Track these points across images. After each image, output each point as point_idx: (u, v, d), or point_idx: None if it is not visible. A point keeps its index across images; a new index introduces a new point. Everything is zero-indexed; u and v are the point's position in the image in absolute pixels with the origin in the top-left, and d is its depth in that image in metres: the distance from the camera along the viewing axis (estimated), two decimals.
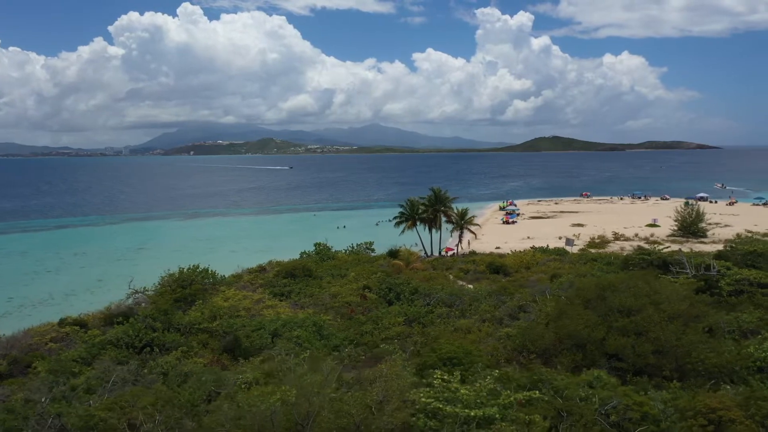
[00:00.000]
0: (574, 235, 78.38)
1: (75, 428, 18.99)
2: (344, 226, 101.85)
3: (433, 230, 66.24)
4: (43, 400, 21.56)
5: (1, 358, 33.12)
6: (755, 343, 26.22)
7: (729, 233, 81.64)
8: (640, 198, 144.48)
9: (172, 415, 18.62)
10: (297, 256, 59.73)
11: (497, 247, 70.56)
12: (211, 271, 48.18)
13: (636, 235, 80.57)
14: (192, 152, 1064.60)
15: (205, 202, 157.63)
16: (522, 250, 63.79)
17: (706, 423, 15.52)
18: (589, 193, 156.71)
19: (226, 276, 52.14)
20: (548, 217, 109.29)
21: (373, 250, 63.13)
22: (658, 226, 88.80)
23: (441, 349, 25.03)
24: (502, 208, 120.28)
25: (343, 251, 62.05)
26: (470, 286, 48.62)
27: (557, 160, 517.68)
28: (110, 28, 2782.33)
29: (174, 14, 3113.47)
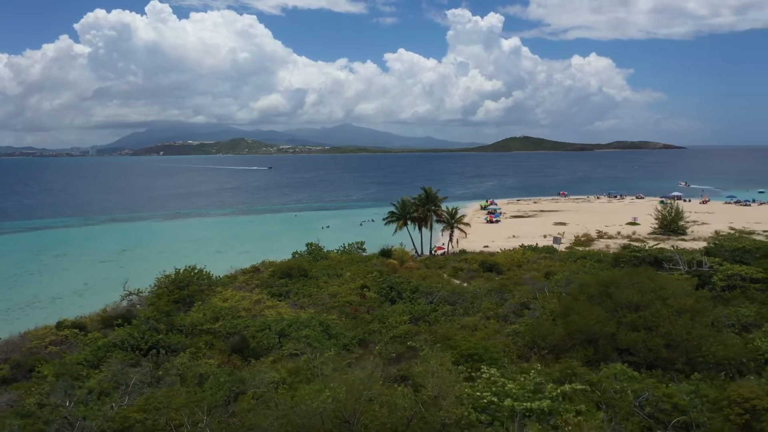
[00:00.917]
0: (558, 233, 79.66)
1: (110, 431, 18.82)
2: (328, 226, 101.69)
3: (423, 229, 66.62)
4: (67, 403, 21.22)
5: (2, 362, 32.39)
6: (760, 336, 27.15)
7: (707, 231, 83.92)
8: (616, 197, 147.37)
9: (212, 416, 18.60)
10: (284, 257, 59.40)
11: (485, 246, 71.32)
12: (206, 272, 47.74)
13: (618, 233, 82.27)
14: (162, 152, 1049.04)
15: (185, 203, 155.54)
16: (512, 249, 64.64)
17: (742, 412, 16.09)
18: (566, 193, 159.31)
19: (220, 277, 51.74)
20: (529, 216, 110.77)
21: (364, 250, 63.23)
22: (638, 224, 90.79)
23: (461, 345, 25.38)
24: (483, 208, 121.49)
25: (335, 251, 62.02)
26: (465, 284, 49.14)
27: (529, 160, 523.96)
28: (76, 26, 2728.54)
29: (142, 12, 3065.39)
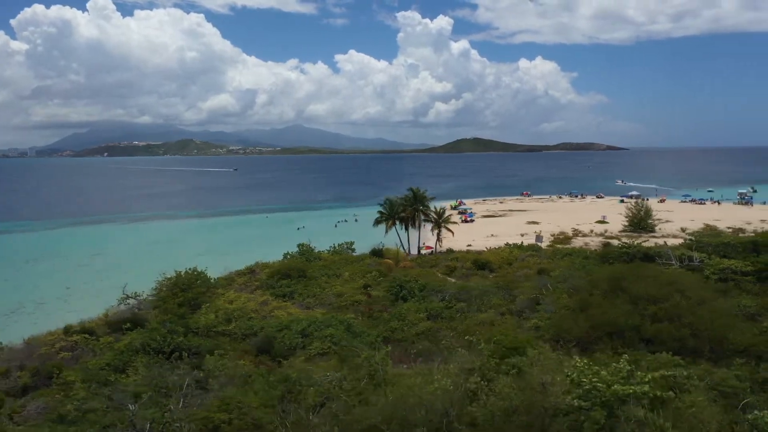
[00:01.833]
0: (536, 231, 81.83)
1: None
2: (303, 227, 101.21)
3: (410, 229, 67.32)
4: (130, 407, 20.86)
5: (17, 369, 31.24)
6: None
7: (673, 228, 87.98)
8: (577, 196, 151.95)
9: (286, 414, 18.72)
10: (269, 258, 58.78)
11: (468, 245, 72.57)
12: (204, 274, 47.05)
13: (592, 231, 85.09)
14: (106, 153, 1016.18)
15: (149, 205, 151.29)
16: (498, 247, 66.05)
17: None
18: (529, 192, 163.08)
19: (216, 279, 51.01)
20: (500, 216, 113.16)
21: (353, 250, 63.46)
22: (608, 222, 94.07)
23: (503, 340, 26.12)
24: (453, 208, 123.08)
25: (326, 251, 62.01)
26: (459, 283, 49.99)
27: (482, 161, 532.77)
28: (12, 22, 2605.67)
29: (83, 9, 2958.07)
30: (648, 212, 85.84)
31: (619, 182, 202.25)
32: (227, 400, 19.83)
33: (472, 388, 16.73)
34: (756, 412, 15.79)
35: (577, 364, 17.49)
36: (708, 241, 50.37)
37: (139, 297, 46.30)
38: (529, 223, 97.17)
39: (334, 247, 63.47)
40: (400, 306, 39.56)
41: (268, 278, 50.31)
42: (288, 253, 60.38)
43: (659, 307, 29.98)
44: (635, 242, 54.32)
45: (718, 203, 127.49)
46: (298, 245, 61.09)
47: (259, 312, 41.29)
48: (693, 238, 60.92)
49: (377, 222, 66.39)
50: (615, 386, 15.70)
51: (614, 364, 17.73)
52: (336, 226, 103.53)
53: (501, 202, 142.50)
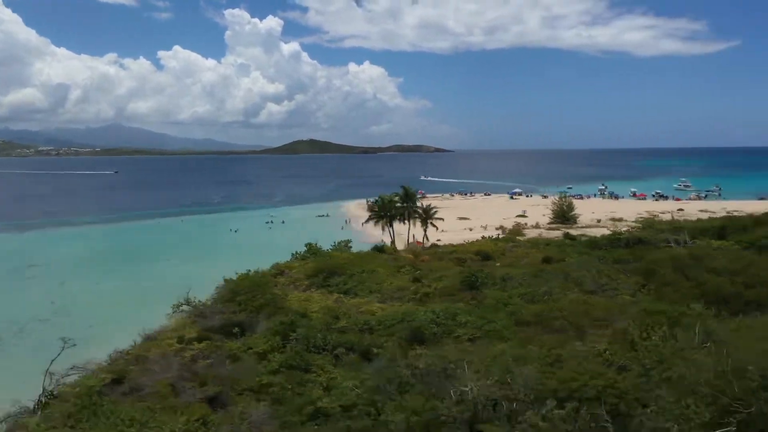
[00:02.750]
0: (482, 226, 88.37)
1: None
2: (237, 230, 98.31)
3: (393, 226, 69.63)
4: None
5: (177, 380, 28.72)
6: None
7: (585, 220, 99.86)
8: (466, 195, 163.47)
9: None
10: (231, 263, 56.69)
11: (438, 240, 76.54)
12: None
13: (526, 224, 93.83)
14: None
15: (27, 211, 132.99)
16: (477, 240, 70.77)
17: None
18: (423, 192, 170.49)
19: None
20: None
21: (350, 248, 64.24)
22: (527, 216, 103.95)
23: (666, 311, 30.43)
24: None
25: (328, 250, 62.07)
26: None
27: (328, 162, 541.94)
28: None
29: None
30: (570, 206, 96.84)
31: (423, 177, 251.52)
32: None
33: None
34: None
35: None
36: (686, 226, 59.36)
37: (194, 303, 43.63)
38: (461, 219, 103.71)
39: (335, 245, 63.83)
40: (488, 293, 41.86)
41: (311, 276, 49.83)
42: (296, 253, 59.69)
43: (748, 275, 36.48)
44: (622, 230, 62.14)
45: (617, 198, 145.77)
46: (306, 245, 60.61)
47: (339, 309, 41.34)
48: (640, 225, 71.21)
49: (375, 221, 67.95)
50: None
51: None
52: (270, 228, 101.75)
53: (436, 198, 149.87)
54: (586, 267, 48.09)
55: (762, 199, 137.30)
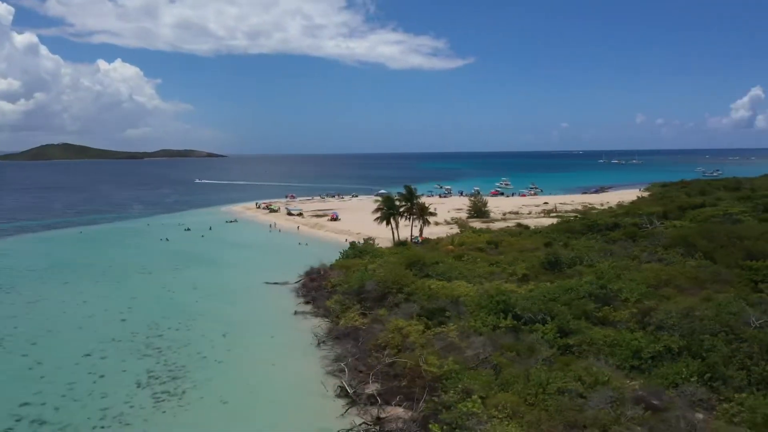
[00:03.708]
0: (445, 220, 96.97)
1: None
2: (167, 239, 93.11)
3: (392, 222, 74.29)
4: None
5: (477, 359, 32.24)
6: None
7: (498, 213, 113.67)
8: (334, 197, 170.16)
9: None
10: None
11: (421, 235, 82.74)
12: None
13: (452, 218, 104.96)
14: None
15: None
16: (458, 233, 78.84)
17: None
18: (294, 195, 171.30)
19: None
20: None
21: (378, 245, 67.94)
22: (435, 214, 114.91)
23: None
24: (266, 207, 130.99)
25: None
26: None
27: (103, 168, 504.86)
28: None
29: None
30: (485, 203, 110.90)
31: (198, 180, 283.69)
32: None
33: None
34: None
35: None
36: (644, 212, 74.48)
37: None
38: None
39: (360, 243, 67.05)
40: (597, 267, 49.75)
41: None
42: (345, 252, 62.01)
43: None
44: (592, 215, 75.61)
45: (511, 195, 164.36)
46: (350, 243, 63.15)
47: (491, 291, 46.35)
48: (577, 216, 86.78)
49: (382, 219, 71.92)
50: None
51: None
52: (202, 236, 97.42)
53: (312, 201, 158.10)
54: (623, 246, 59.05)
55: (585, 193, 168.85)
